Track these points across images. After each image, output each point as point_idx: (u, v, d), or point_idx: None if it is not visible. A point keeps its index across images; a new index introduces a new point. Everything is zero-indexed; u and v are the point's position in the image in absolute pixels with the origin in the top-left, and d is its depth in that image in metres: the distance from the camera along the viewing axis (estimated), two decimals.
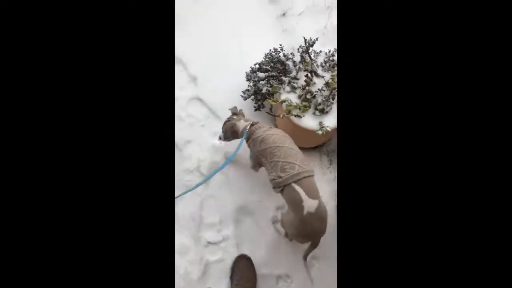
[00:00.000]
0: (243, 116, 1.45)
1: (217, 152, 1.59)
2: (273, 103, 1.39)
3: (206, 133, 1.63)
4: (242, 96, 1.53)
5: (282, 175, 1.17)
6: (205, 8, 1.89)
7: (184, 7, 1.88)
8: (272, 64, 1.49)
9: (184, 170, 1.56)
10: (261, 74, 1.50)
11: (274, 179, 1.20)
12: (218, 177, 1.55)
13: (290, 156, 1.20)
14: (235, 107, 1.46)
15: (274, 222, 1.45)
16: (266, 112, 1.56)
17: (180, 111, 1.66)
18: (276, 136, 1.25)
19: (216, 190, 1.54)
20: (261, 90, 1.46)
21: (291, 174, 1.16)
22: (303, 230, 1.16)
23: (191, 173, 1.56)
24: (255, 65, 1.54)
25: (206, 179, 1.35)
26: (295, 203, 1.15)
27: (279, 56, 1.51)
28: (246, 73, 1.55)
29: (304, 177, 1.17)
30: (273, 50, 1.53)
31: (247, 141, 1.34)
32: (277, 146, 1.22)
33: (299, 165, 1.18)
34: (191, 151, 1.59)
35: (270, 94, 1.45)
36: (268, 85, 1.45)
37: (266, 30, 1.83)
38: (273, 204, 1.50)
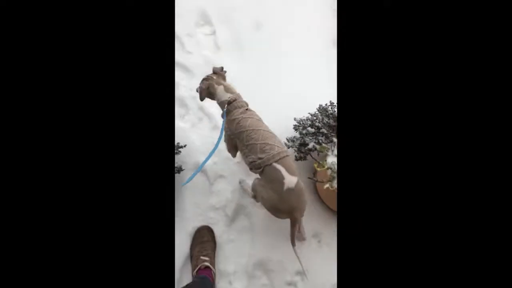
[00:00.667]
0: (224, 79, 1.42)
1: (245, 195, 1.51)
2: (318, 169, 1.29)
3: (240, 171, 1.56)
4: (286, 144, 1.45)
5: (262, 156, 1.21)
6: (269, 37, 1.86)
7: (247, 32, 1.87)
8: (325, 119, 1.39)
9: (210, 206, 1.50)
10: (310, 129, 1.40)
11: (254, 161, 1.24)
12: (242, 220, 1.48)
13: (268, 139, 1.24)
14: (221, 67, 1.44)
15: (241, 182, 1.50)
16: (308, 177, 1.46)
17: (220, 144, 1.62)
18: (252, 120, 1.29)
19: (236, 234, 1.46)
20: (307, 144, 1.37)
21: (272, 154, 1.20)
22: (283, 205, 1.20)
23: (215, 211, 1.49)
24: (306, 117, 1.45)
25: (201, 165, 1.31)
26: (276, 181, 1.19)
27: (334, 111, 1.41)
28: (295, 122, 1.46)
29: (284, 157, 1.21)
30: (329, 104, 1.44)
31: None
32: (253, 129, 1.26)
33: (277, 146, 1.23)
34: (221, 188, 1.53)
35: (315, 150, 1.35)
36: (316, 141, 1.35)
37: (326, 78, 1.73)
38: (293, 268, 1.38)
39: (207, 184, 1.54)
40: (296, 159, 1.46)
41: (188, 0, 1.91)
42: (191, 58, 1.80)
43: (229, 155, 1.52)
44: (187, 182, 1.28)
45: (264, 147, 1.21)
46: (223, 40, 1.86)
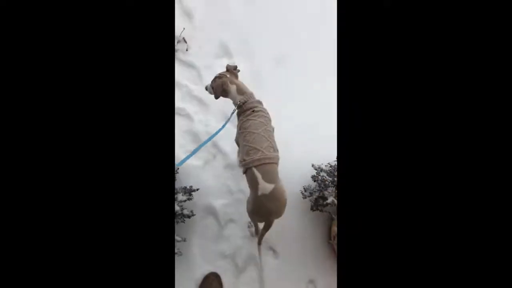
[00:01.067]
0: (236, 77, 1.42)
1: (254, 242, 1.44)
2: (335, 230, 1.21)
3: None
4: (302, 193, 1.37)
5: (246, 158, 1.25)
6: (290, 73, 1.81)
7: (268, 67, 1.82)
8: None
9: (219, 253, 1.43)
10: (328, 177, 1.33)
11: (240, 161, 1.29)
12: (251, 271, 1.40)
13: (257, 142, 1.26)
14: (235, 66, 1.43)
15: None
16: (328, 242, 1.39)
17: (231, 181, 1.55)
18: (253, 122, 1.31)
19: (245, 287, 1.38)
20: (326, 199, 1.29)
21: (252, 159, 1.23)
22: (256, 209, 1.23)
23: (224, 259, 1.42)
24: (325, 165, 1.38)
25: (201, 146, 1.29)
26: (253, 185, 1.23)
27: None
28: (313, 168, 1.39)
29: (265, 163, 1.23)
30: None
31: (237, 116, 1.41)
32: (249, 132, 1.29)
33: (262, 152, 1.24)
34: (231, 233, 1.46)
35: (335, 206, 1.27)
36: (334, 195, 1.27)
37: None
38: None
39: (217, 228, 1.47)
40: (312, 210, 1.39)
41: (210, 30, 1.88)
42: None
43: (241, 198, 1.48)
44: (182, 163, 1.24)
45: (249, 150, 1.25)
46: (243, 73, 1.80)
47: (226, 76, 1.37)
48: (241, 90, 1.37)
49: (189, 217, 1.35)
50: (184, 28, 1.86)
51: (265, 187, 1.19)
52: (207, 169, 1.59)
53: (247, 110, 1.33)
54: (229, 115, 1.38)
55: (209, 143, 1.64)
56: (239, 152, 1.37)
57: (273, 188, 1.20)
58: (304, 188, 1.39)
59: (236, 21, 1.91)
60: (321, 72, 1.83)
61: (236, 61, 1.84)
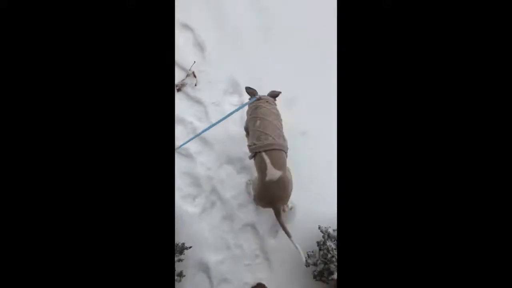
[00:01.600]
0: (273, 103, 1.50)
1: None
2: None
3: (248, 276, 1.35)
4: (305, 261, 1.22)
5: (256, 142, 1.29)
6: (300, 116, 1.69)
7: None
8: None
9: None
10: (331, 245, 1.17)
11: (250, 146, 1.32)
12: None
13: (268, 129, 1.30)
14: (279, 92, 1.54)
15: (248, 184, 1.53)
16: None
17: (228, 235, 1.42)
18: (265, 109, 1.37)
19: None
20: (332, 272, 1.13)
21: (263, 144, 1.27)
22: (263, 194, 1.25)
23: None
24: (333, 229, 1.23)
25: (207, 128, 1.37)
26: (261, 170, 1.25)
27: None
28: (319, 230, 1.24)
29: (274, 149, 1.26)
30: None
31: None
32: (261, 118, 1.33)
33: (272, 138, 1.28)
34: None
35: None
36: None
37: None
38: None
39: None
40: (315, 279, 1.23)
41: (221, 65, 1.80)
42: (213, 130, 1.65)
43: (238, 254, 1.39)
44: (182, 145, 1.23)
45: (260, 135, 1.29)
46: None
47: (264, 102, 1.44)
48: (266, 99, 1.45)
49: (179, 276, 1.22)
50: (194, 62, 1.79)
51: (273, 173, 1.22)
52: (204, 218, 1.47)
53: (264, 101, 1.41)
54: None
55: (209, 188, 1.53)
56: (249, 137, 1.40)
57: (281, 175, 1.22)
58: (308, 254, 1.24)
59: (249, 58, 1.82)
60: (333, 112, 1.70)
61: (245, 99, 1.73)
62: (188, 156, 1.60)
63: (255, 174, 1.40)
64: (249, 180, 1.54)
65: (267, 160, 1.23)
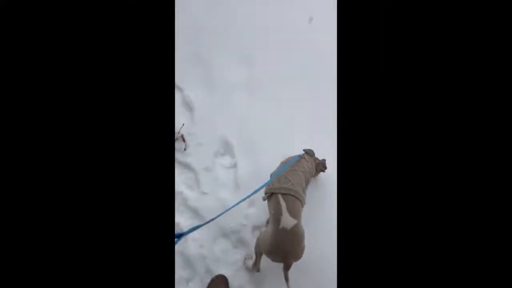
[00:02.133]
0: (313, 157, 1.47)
1: None
2: None
3: None
4: None
5: (275, 184, 1.22)
6: None
7: (270, 170, 1.58)
8: None
9: None
10: None
11: (269, 185, 1.24)
12: None
13: (293, 176, 1.24)
14: (313, 152, 1.48)
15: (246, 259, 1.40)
16: None
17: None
18: (299, 164, 1.33)
19: None
20: None
21: (281, 186, 1.19)
22: (274, 245, 1.11)
23: None
24: None
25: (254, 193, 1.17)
26: (275, 214, 1.14)
27: None
28: None
29: (291, 195, 1.17)
30: None
31: None
32: (291, 169, 1.28)
33: (292, 184, 1.21)
34: None
35: None
36: None
37: None
38: None
39: None
40: None
41: (211, 125, 1.71)
42: (206, 200, 1.54)
43: None
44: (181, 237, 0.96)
45: (281, 178, 1.22)
46: (244, 175, 1.59)
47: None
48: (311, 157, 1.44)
49: None
50: (183, 124, 1.70)
51: (288, 220, 1.10)
52: None
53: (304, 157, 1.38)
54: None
55: (203, 269, 1.39)
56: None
57: (296, 224, 1.11)
58: None
59: (239, 114, 1.73)
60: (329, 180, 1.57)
61: (238, 160, 1.62)
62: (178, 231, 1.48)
63: (253, 244, 1.27)
64: (247, 255, 1.40)
65: (283, 205, 1.13)
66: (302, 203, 1.21)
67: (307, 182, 1.35)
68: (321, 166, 1.47)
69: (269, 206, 1.21)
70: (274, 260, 1.14)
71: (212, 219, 1.10)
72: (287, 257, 1.10)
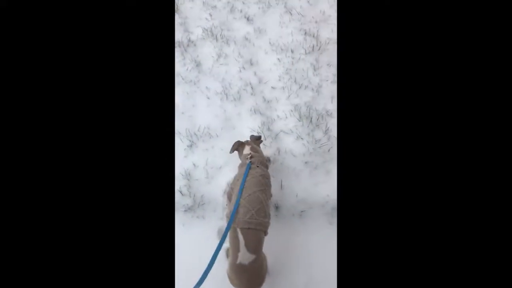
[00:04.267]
0: (256, 146, 1.50)
1: None
2: None
3: None
4: None
5: (237, 216, 1.14)
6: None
7: None
8: None
9: None
10: None
11: (227, 216, 1.22)
12: None
13: (251, 201, 1.17)
14: (259, 136, 1.59)
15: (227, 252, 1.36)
16: None
17: None
18: (254, 180, 1.25)
19: None
20: None
21: (241, 220, 1.13)
22: (234, 275, 1.11)
23: None
24: None
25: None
26: (233, 249, 1.13)
27: None
28: None
29: (250, 229, 1.12)
30: None
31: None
32: (245, 187, 1.21)
33: (252, 214, 1.14)
34: None
35: None
36: None
37: None
38: None
39: None
40: None
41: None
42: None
43: None
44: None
45: (241, 207, 1.15)
46: None
47: (247, 142, 1.49)
48: (254, 149, 1.44)
49: None
50: None
51: (245, 256, 1.09)
52: None
53: (253, 164, 1.33)
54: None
55: None
56: (229, 203, 1.30)
57: (254, 260, 1.10)
58: None
59: None
60: None
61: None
62: None
63: None
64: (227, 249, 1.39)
65: (242, 241, 1.10)
66: (266, 232, 1.19)
67: (269, 196, 1.29)
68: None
69: (229, 237, 1.16)
70: (234, 286, 1.16)
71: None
72: (247, 286, 1.12)
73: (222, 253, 1.35)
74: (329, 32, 2.39)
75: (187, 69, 2.24)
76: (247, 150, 1.43)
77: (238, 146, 1.51)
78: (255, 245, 1.12)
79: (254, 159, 1.36)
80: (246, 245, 1.10)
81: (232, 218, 1.13)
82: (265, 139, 1.85)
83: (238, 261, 1.09)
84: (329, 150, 1.82)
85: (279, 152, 1.80)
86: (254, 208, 1.15)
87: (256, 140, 1.57)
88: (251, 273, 1.10)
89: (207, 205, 1.66)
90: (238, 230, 1.12)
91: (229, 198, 1.39)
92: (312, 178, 1.73)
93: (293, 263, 1.47)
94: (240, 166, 1.44)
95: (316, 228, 1.60)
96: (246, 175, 1.26)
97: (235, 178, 1.36)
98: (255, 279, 1.13)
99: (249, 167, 1.30)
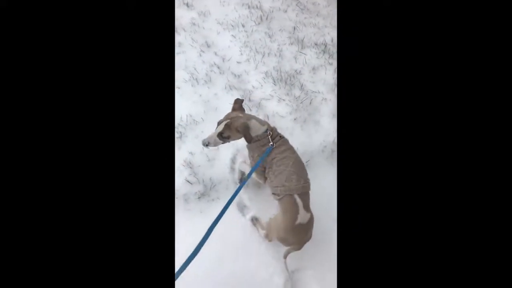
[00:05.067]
0: (243, 111, 1.35)
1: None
2: None
3: None
4: None
5: (286, 184, 1.21)
6: None
7: None
8: None
9: None
10: None
11: (277, 187, 1.24)
12: None
13: (299, 169, 1.25)
14: (242, 100, 1.36)
15: (253, 220, 1.49)
16: None
17: None
18: (289, 148, 1.31)
19: None
20: None
21: (296, 186, 1.20)
22: (291, 238, 1.23)
23: None
24: None
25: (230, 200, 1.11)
26: (291, 213, 1.20)
27: None
28: None
29: (306, 191, 1.24)
30: None
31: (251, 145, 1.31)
32: (288, 156, 1.25)
33: (303, 179, 1.24)
34: None
35: None
36: None
37: None
38: None
39: None
40: None
41: None
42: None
43: None
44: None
45: (292, 175, 1.21)
46: None
47: (240, 116, 1.27)
48: (261, 121, 1.31)
49: None
50: None
51: (304, 216, 1.21)
52: None
53: (276, 137, 1.30)
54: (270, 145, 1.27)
55: None
56: (272, 177, 1.27)
57: (310, 217, 1.23)
58: None
59: None
60: None
61: None
62: None
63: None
64: (254, 217, 1.51)
65: (300, 204, 1.20)
66: (310, 188, 1.28)
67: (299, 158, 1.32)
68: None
69: (281, 204, 1.24)
70: (287, 246, 1.29)
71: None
72: (302, 244, 1.27)
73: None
74: (270, 1, 2.49)
75: None
76: (255, 124, 1.27)
77: (244, 130, 1.25)
78: (308, 204, 1.25)
79: (273, 132, 1.29)
80: (304, 206, 1.21)
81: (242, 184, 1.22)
82: (250, 110, 1.89)
83: (297, 222, 1.20)
84: (310, 103, 1.94)
85: (268, 117, 1.87)
86: (302, 174, 1.26)
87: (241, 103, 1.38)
88: (308, 228, 1.24)
89: (218, 186, 1.65)
90: (296, 196, 1.21)
91: (261, 175, 1.36)
92: (304, 131, 1.84)
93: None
94: (256, 146, 1.31)
95: (323, 173, 1.72)
96: (268, 152, 1.26)
97: (269, 155, 1.28)
98: (311, 233, 1.27)
99: (273, 145, 1.27)
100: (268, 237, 1.39)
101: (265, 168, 1.33)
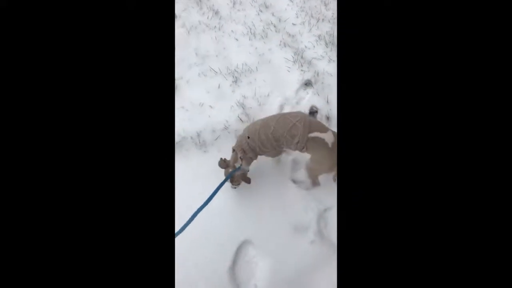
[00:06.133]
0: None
1: None
2: None
3: None
4: None
5: (296, 140, 1.35)
6: None
7: None
8: None
9: None
10: None
11: (297, 142, 1.35)
12: None
13: (285, 124, 1.37)
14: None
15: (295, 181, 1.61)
16: None
17: None
18: (255, 124, 1.47)
19: None
20: None
21: (301, 133, 1.34)
22: (334, 157, 1.30)
23: None
24: None
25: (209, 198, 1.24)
26: (321, 145, 1.33)
27: None
28: None
29: (308, 124, 1.35)
30: None
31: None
32: (268, 132, 1.40)
33: (295, 123, 1.35)
34: None
35: None
36: None
37: None
38: None
39: None
40: None
41: None
42: None
43: None
44: (181, 231, 1.04)
45: (291, 132, 1.35)
46: None
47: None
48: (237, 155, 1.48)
49: None
50: None
51: (329, 137, 1.34)
52: None
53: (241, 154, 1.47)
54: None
55: None
56: (285, 144, 1.43)
57: (332, 132, 1.35)
58: None
59: None
60: None
61: None
62: None
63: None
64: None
65: (318, 134, 1.33)
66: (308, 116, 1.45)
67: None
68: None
69: (310, 150, 1.38)
70: (333, 169, 1.42)
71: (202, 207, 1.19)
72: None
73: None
74: None
75: (207, 18, 2.30)
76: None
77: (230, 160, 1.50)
78: (320, 126, 1.40)
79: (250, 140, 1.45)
80: (320, 131, 1.36)
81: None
82: (302, 66, 2.02)
83: (330, 145, 1.33)
84: None
85: (318, 74, 1.99)
86: (290, 122, 1.37)
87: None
88: (336, 142, 1.36)
89: None
90: (310, 135, 1.34)
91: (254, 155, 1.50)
92: None
93: None
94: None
95: None
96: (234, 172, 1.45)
97: (257, 139, 1.43)
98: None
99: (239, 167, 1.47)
100: (318, 171, 1.50)
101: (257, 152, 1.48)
